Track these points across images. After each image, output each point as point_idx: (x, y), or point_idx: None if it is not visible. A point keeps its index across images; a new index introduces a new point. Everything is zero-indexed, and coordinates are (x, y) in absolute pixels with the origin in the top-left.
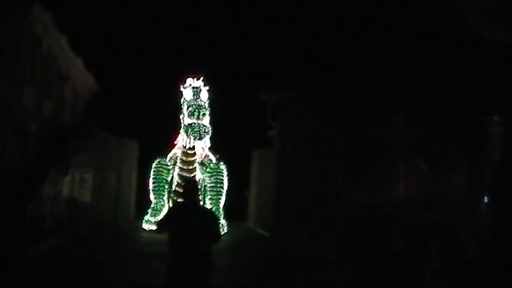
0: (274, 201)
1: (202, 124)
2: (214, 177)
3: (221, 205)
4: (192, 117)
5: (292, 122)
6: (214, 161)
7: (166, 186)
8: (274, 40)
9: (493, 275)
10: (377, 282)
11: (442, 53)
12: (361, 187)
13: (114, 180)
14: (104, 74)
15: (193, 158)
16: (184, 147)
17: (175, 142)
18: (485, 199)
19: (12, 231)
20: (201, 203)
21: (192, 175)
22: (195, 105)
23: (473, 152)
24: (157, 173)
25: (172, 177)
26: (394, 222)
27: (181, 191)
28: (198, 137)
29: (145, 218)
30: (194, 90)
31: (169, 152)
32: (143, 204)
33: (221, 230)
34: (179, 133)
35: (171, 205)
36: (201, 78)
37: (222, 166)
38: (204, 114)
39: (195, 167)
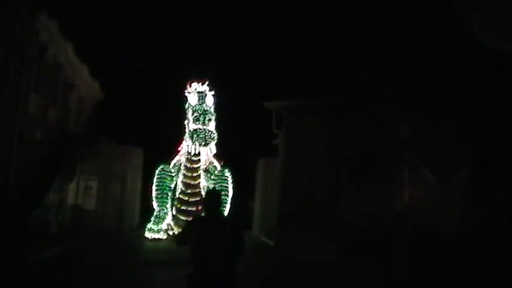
0: (278, 209)
1: (208, 130)
2: (219, 185)
3: (225, 213)
4: (197, 122)
5: (297, 131)
6: (219, 168)
7: (170, 194)
8: (279, 49)
9: (496, 279)
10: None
11: (447, 61)
12: (366, 195)
13: (119, 187)
14: (108, 82)
15: (197, 165)
16: (189, 153)
17: (180, 148)
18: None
19: (16, 239)
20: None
21: (196, 182)
22: (201, 110)
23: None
24: (161, 180)
25: (176, 184)
26: (399, 231)
27: (185, 198)
28: (203, 143)
29: (148, 226)
30: (199, 95)
31: (173, 158)
32: (148, 212)
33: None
34: (183, 139)
35: (174, 213)
36: (206, 83)
37: (227, 173)
38: (209, 120)
39: (200, 174)
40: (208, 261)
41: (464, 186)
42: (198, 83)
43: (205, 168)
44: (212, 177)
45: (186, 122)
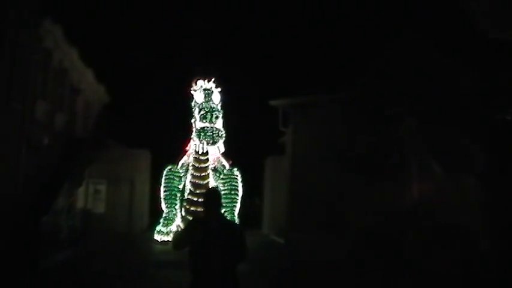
0: (288, 208)
1: (216, 128)
2: (228, 184)
3: (236, 213)
4: (204, 120)
5: (304, 128)
6: (227, 167)
7: (178, 195)
8: (284, 46)
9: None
10: (393, 286)
11: (452, 53)
12: (375, 192)
13: (128, 190)
14: (114, 85)
15: (206, 165)
16: (197, 152)
17: (187, 148)
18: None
19: (27, 244)
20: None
21: (205, 182)
22: (207, 107)
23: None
24: (169, 181)
25: (185, 185)
26: (410, 228)
27: (194, 199)
28: (211, 142)
29: (157, 228)
30: (206, 92)
31: (181, 158)
32: (157, 214)
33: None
34: (191, 139)
35: (183, 214)
36: (213, 80)
37: (236, 172)
38: (216, 117)
39: (208, 174)
40: (207, 266)
41: (481, 175)
42: (204, 80)
43: (214, 167)
44: (221, 176)
45: (192, 120)
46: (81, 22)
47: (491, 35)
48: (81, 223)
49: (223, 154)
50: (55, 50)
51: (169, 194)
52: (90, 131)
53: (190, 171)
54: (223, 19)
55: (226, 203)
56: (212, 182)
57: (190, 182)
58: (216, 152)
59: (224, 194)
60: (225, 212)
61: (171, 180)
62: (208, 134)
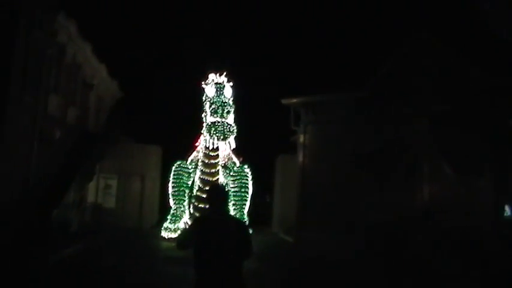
0: (298, 206)
1: (227, 123)
2: (239, 181)
3: (246, 211)
4: (215, 115)
5: (315, 127)
6: (238, 164)
7: (187, 191)
8: (296, 45)
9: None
10: (402, 286)
11: (466, 54)
12: (385, 192)
13: (138, 185)
14: (127, 81)
15: (216, 161)
16: (207, 148)
17: (197, 143)
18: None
19: (37, 238)
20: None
21: (215, 179)
22: (219, 102)
23: (499, 157)
24: (177, 176)
25: (194, 181)
26: (420, 228)
27: (203, 196)
28: (222, 137)
29: (165, 225)
30: (217, 87)
31: (191, 154)
32: (167, 210)
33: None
34: (201, 134)
35: (191, 211)
36: (224, 74)
37: (247, 169)
38: (228, 112)
39: (218, 170)
40: (211, 266)
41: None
42: (216, 74)
43: (224, 164)
44: (231, 173)
45: (203, 115)
46: (95, 17)
47: (503, 36)
48: (91, 217)
49: (234, 150)
50: (69, 45)
51: (177, 190)
52: (102, 126)
53: (200, 167)
54: (238, 18)
55: (236, 200)
56: (222, 179)
57: (199, 178)
58: (226, 148)
59: (234, 192)
60: (234, 209)
61: (180, 176)
62: (219, 129)
